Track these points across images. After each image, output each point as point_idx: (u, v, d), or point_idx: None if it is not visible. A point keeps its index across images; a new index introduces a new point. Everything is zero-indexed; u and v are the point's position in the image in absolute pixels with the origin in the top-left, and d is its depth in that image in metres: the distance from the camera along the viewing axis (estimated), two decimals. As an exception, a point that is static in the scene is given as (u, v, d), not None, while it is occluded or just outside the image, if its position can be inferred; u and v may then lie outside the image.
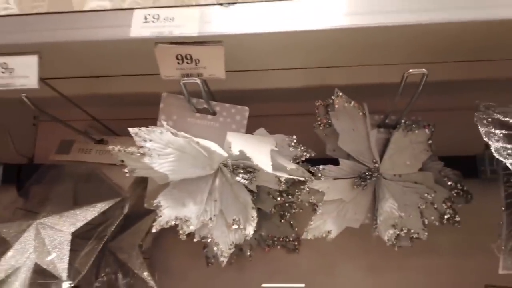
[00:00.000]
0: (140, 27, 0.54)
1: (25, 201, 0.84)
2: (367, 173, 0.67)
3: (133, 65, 0.75)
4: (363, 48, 0.67)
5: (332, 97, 0.67)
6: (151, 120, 0.66)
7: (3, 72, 0.56)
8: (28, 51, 0.56)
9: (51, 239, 0.64)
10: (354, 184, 0.67)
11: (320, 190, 0.66)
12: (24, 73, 0.55)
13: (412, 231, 0.68)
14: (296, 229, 0.84)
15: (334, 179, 0.67)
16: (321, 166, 0.67)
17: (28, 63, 0.55)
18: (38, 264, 0.64)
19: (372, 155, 0.67)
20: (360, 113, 0.68)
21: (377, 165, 0.67)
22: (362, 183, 0.67)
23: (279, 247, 0.85)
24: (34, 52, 0.56)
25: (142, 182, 0.75)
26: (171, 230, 0.81)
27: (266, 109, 0.70)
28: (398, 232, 0.67)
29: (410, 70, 0.55)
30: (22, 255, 0.64)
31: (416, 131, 0.69)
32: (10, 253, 0.65)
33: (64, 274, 0.60)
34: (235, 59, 0.57)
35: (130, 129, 0.56)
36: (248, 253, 0.82)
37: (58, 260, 0.62)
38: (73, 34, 0.55)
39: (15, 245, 0.65)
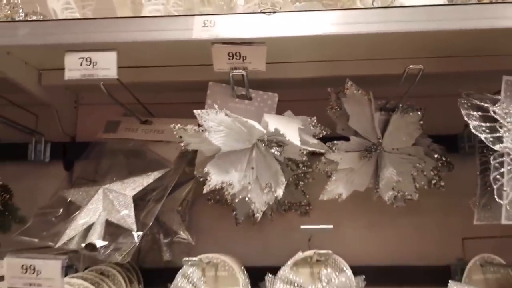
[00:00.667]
0: (200, 30, 0.68)
1: (79, 173, 0.97)
2: (372, 147, 0.83)
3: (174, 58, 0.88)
4: (370, 46, 0.82)
5: (345, 85, 0.83)
6: (185, 104, 0.79)
7: (87, 65, 0.69)
8: (106, 48, 0.70)
9: (118, 200, 0.79)
10: (362, 156, 0.84)
11: (334, 161, 0.82)
12: (106, 66, 0.69)
13: (406, 193, 0.85)
14: (308, 196, 1.00)
15: (346, 152, 0.83)
16: (335, 141, 0.83)
17: (108, 58, 0.69)
18: (108, 220, 0.78)
19: (376, 133, 0.84)
20: (367, 99, 0.84)
21: (380, 140, 0.83)
22: (368, 155, 0.83)
23: (293, 210, 1.02)
24: (112, 49, 0.69)
25: (184, 157, 0.90)
26: (204, 197, 0.97)
27: (288, 95, 0.84)
28: (396, 194, 0.84)
29: (410, 66, 0.71)
30: (95, 213, 0.78)
31: (411, 114, 0.85)
32: (84, 212, 0.79)
33: (134, 227, 0.75)
34: (268, 54, 0.72)
35: (195, 111, 0.70)
36: (269, 214, 0.98)
37: (127, 216, 0.76)
38: (145, 35, 0.69)
39: (87, 205, 0.79)
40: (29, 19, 0.88)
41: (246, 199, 0.79)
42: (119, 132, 0.96)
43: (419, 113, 0.86)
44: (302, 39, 0.70)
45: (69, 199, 0.84)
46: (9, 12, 0.92)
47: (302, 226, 0.71)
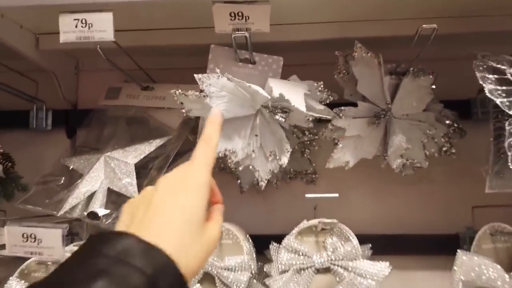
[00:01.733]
0: (200, -12, 0.64)
1: (80, 142, 0.96)
2: (380, 113, 0.80)
3: (178, 20, 0.84)
4: (380, 5, 0.78)
5: (354, 48, 0.78)
6: (188, 70, 0.76)
7: (82, 27, 0.66)
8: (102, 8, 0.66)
9: (120, 168, 0.78)
10: (370, 122, 0.80)
11: (341, 127, 0.79)
12: (102, 27, 0.66)
13: (415, 161, 0.82)
14: (314, 164, 0.98)
15: (353, 118, 0.80)
16: (342, 107, 0.79)
17: (104, 19, 0.65)
18: (110, 189, 0.77)
19: (385, 98, 0.80)
20: (376, 62, 0.80)
21: (389, 106, 0.80)
22: (377, 121, 0.80)
23: (299, 179, 1.00)
24: (109, 9, 0.66)
25: (187, 124, 0.87)
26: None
27: (293, 59, 0.80)
28: (404, 162, 0.81)
29: (423, 26, 0.66)
30: (97, 181, 0.77)
31: (422, 77, 0.82)
32: (85, 180, 0.78)
33: (136, 195, 0.74)
34: (272, 15, 0.67)
35: (195, 75, 0.67)
36: (275, 182, 0.96)
37: (129, 185, 0.75)
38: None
39: (89, 173, 0.78)
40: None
41: (250, 167, 0.77)
42: (120, 98, 0.93)
43: (431, 76, 0.82)
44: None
45: (71, 167, 0.83)
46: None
47: (307, 195, 0.69)
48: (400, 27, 0.83)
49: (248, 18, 0.66)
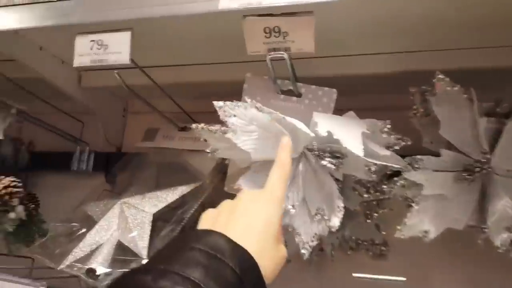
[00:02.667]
0: (228, 0, 0.52)
1: (112, 186, 0.87)
2: (474, 166, 0.58)
3: (216, 52, 0.75)
4: (468, 25, 0.59)
5: (433, 80, 0.60)
6: None
7: (98, 49, 0.58)
8: (123, 27, 0.58)
9: (134, 218, 0.65)
10: (458, 178, 0.59)
11: (417, 183, 0.58)
12: (117, 49, 0.57)
13: (531, 237, 0.57)
14: (384, 232, 0.76)
15: (434, 171, 0.59)
16: (418, 156, 0.59)
17: (121, 39, 0.57)
18: (120, 241, 0.64)
19: (481, 146, 0.58)
20: (466, 98, 0.60)
21: (488, 156, 0.58)
22: (468, 177, 0.58)
23: (363, 250, 0.78)
24: (127, 28, 0.57)
25: (222, 169, 0.73)
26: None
27: (351, 103, 0.64)
28: (513, 237, 0.57)
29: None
30: (106, 231, 0.65)
31: (536, 121, 0.59)
32: (95, 230, 0.66)
33: (144, 252, 0.60)
34: (321, 39, 0.53)
35: (215, 102, 0.54)
36: (331, 253, 0.75)
37: (139, 238, 0.62)
38: (163, 10, 0.55)
39: (100, 222, 0.67)
40: None
41: (289, 228, 0.59)
42: (157, 140, 0.84)
43: (549, 119, 0.59)
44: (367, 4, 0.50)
45: (88, 213, 0.73)
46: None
47: (354, 274, 0.49)
48: (499, 56, 0.63)
49: (287, 34, 0.52)
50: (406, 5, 0.53)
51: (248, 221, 0.40)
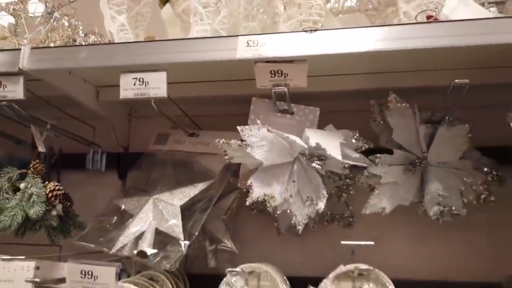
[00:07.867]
0: (243, 50, 0.71)
1: (130, 183, 1.04)
2: (416, 161, 0.82)
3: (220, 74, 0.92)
4: (415, 59, 0.81)
5: (388, 98, 0.82)
6: (228, 116, 0.81)
7: (140, 85, 0.74)
8: (156, 69, 0.75)
9: (167, 210, 0.84)
10: (406, 169, 0.83)
11: (378, 174, 0.82)
12: (157, 85, 0.74)
13: (453, 208, 0.83)
14: (351, 207, 1.00)
15: (389, 165, 0.82)
16: (378, 155, 0.82)
17: (159, 78, 0.74)
18: (157, 229, 0.83)
19: (421, 146, 0.82)
20: (411, 112, 0.83)
21: (425, 154, 0.82)
22: (412, 169, 0.82)
23: (336, 222, 1.02)
24: (163, 69, 0.74)
25: (229, 168, 0.93)
26: (248, 207, 1.00)
27: (330, 106, 0.85)
28: (441, 209, 0.82)
29: (456, 81, 0.69)
30: (145, 222, 0.83)
31: (458, 127, 0.83)
32: (135, 221, 0.84)
33: (181, 236, 0.80)
34: (309, 69, 0.73)
35: (238, 127, 0.73)
36: (312, 225, 0.99)
37: (175, 226, 0.81)
38: (192, 56, 0.73)
39: (139, 214, 0.85)
40: (88, 39, 0.96)
41: (288, 211, 0.81)
42: (169, 144, 1.01)
43: (466, 125, 0.83)
44: (344, 56, 0.70)
45: (122, 207, 0.90)
46: (70, 33, 1.00)
47: (342, 242, 0.72)
48: (435, 78, 0.86)
49: (287, 75, 0.72)
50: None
51: None
